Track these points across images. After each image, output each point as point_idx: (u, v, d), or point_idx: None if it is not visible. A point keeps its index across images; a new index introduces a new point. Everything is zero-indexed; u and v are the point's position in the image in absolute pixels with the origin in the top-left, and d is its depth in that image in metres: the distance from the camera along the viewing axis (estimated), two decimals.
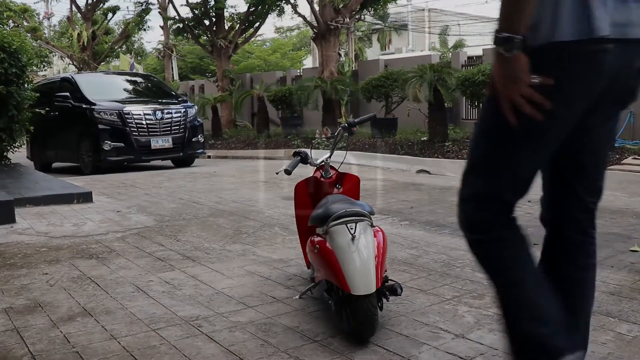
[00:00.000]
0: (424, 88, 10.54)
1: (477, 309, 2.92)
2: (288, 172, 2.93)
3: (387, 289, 2.66)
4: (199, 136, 11.94)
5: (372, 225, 2.68)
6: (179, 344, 2.57)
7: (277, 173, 3.07)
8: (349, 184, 3.21)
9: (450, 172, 8.88)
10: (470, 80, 10.16)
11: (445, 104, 11.27)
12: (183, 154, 11.61)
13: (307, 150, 3.17)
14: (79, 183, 8.14)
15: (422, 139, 11.34)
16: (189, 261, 3.98)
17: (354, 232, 2.52)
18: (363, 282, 2.44)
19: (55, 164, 12.79)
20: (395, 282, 2.70)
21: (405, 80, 10.92)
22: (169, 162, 12.39)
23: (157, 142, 11.06)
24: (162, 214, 5.82)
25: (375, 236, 2.65)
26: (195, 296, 3.23)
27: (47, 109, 10.36)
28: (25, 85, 9.58)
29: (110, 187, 8.16)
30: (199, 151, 12.02)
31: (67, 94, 11.25)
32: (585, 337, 2.04)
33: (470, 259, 3.81)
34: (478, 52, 14.88)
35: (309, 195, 3.21)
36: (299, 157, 3.05)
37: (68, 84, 11.68)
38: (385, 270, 2.76)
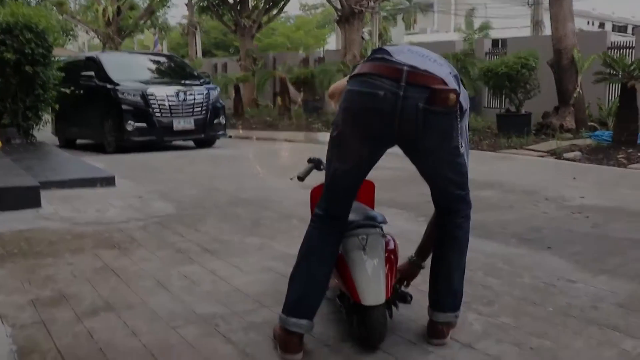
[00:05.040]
0: None
1: (486, 317, 2.99)
2: (300, 179, 3.00)
3: (397, 297, 2.75)
4: (221, 117, 12.04)
5: (383, 236, 2.75)
6: (197, 344, 2.68)
7: (290, 179, 3.14)
8: (364, 190, 3.25)
9: (470, 162, 8.90)
10: (493, 72, 10.11)
11: None
12: (205, 136, 11.73)
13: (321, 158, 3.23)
14: (102, 163, 8.33)
15: None
16: (208, 254, 4.09)
17: (365, 244, 2.60)
18: (373, 293, 2.53)
19: (79, 141, 12.99)
20: (405, 291, 2.78)
21: None
22: (190, 142, 12.52)
23: (180, 124, 11.19)
24: (183, 201, 5.94)
25: (386, 246, 2.73)
26: (213, 293, 3.34)
27: (72, 88, 10.51)
28: (51, 64, 9.75)
29: (133, 169, 8.31)
30: (220, 133, 12.14)
31: (92, 73, 11.40)
32: (445, 300, 2.69)
33: (484, 262, 3.90)
34: (503, 34, 14.76)
35: None
36: (312, 164, 3.10)
37: (93, 63, 11.82)
38: (397, 276, 2.84)
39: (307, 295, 2.56)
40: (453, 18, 38.73)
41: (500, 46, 15.03)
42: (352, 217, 2.75)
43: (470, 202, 2.66)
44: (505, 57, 11.22)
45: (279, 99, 17.59)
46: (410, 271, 3.01)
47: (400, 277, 2.96)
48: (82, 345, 2.66)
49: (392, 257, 2.73)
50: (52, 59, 9.79)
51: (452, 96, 2.31)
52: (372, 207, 3.22)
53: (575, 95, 10.66)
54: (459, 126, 2.41)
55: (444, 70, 2.39)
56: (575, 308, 3.10)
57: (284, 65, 17.53)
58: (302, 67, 18.45)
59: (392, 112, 2.30)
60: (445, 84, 2.33)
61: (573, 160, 8.44)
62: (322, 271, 2.58)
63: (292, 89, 16.87)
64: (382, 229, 2.78)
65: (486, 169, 8.10)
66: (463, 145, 2.47)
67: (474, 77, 10.76)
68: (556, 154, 8.82)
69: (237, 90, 18.58)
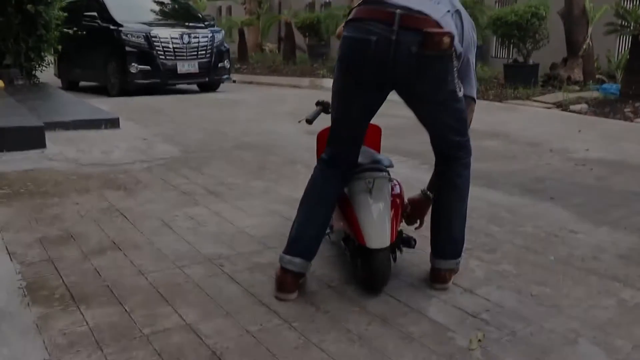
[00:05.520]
0: None
1: (488, 264, 3.03)
2: (309, 121, 2.99)
3: (401, 241, 2.78)
4: (225, 61, 11.95)
5: (390, 180, 2.76)
6: (203, 283, 2.72)
7: (299, 122, 3.13)
8: (370, 134, 3.23)
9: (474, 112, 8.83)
10: (502, 20, 9.95)
11: None
12: (209, 79, 11.65)
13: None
14: (106, 106, 8.30)
15: None
16: (213, 197, 4.12)
17: (372, 187, 2.61)
18: (378, 236, 2.55)
19: (82, 83, 12.91)
20: (409, 236, 2.81)
21: None
22: (194, 86, 12.44)
23: (184, 67, 11.10)
24: (187, 144, 5.95)
25: (392, 190, 2.74)
26: (218, 234, 3.37)
27: (74, 28, 10.38)
28: (54, 4, 9.60)
29: (137, 112, 8.29)
30: (224, 77, 12.06)
31: (95, 13, 11.24)
32: (446, 248, 2.71)
33: (488, 210, 3.92)
34: None
35: None
36: (321, 107, 3.08)
37: (96, 3, 11.63)
38: (402, 221, 2.87)
39: (304, 234, 2.60)
40: None
41: None
42: (359, 159, 2.75)
43: (470, 148, 2.65)
44: (515, 5, 11.01)
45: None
46: (422, 204, 2.95)
47: (411, 212, 2.96)
48: (89, 283, 2.70)
49: (398, 201, 2.75)
50: None
51: (446, 39, 2.26)
52: (379, 150, 3.22)
53: (584, 46, 10.51)
54: (455, 70, 2.38)
55: (440, 9, 2.34)
56: (576, 258, 3.13)
57: (290, 10, 17.25)
58: (308, 11, 18.16)
59: (385, 57, 2.28)
60: (440, 26, 2.28)
61: (579, 112, 8.39)
62: (320, 212, 2.62)
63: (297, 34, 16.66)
64: (388, 173, 2.79)
65: (491, 119, 8.06)
66: (461, 88, 2.45)
67: (483, 26, 10.60)
68: (562, 106, 8.77)
69: (241, 34, 18.33)
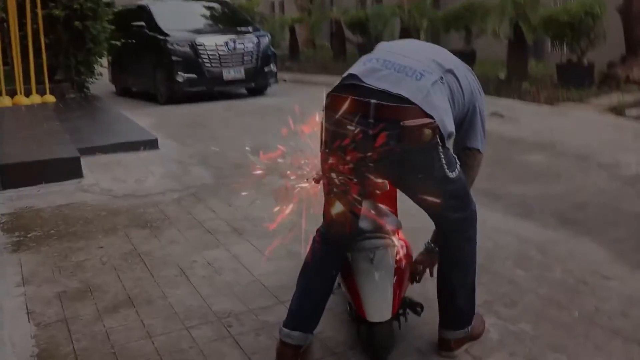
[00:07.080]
0: (504, 24, 10.02)
1: (504, 322, 2.89)
2: (317, 181, 2.91)
3: (407, 308, 2.69)
4: (272, 65, 11.94)
5: (393, 246, 2.64)
6: (207, 348, 2.71)
7: (306, 180, 3.05)
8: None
9: (524, 116, 8.46)
10: (554, 20, 9.53)
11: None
12: (255, 84, 11.70)
13: None
14: (152, 118, 8.46)
15: (500, 77, 10.82)
16: (235, 235, 4.11)
17: (373, 257, 2.52)
18: (379, 309, 2.48)
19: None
20: (416, 302, 2.71)
21: (485, 14, 10.40)
22: (242, 90, 12.47)
23: (230, 73, 11.16)
24: (222, 167, 5.96)
25: (397, 255, 2.63)
26: (232, 284, 3.36)
27: (122, 40, 10.58)
28: (101, 17, 9.82)
29: (179, 125, 8.42)
30: (271, 80, 12.07)
31: (143, 23, 11.44)
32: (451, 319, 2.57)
33: (517, 248, 3.75)
34: None
35: None
36: None
37: (143, 12, 11.84)
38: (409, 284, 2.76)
39: (302, 307, 2.53)
40: None
41: None
42: (362, 225, 2.65)
43: (474, 219, 2.49)
44: (568, 3, 10.53)
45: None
46: (429, 260, 2.81)
47: (421, 268, 2.83)
48: (98, 348, 2.73)
49: (403, 265, 2.64)
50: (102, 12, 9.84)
51: (427, 132, 2.10)
52: (395, 206, 3.06)
53: None
54: (441, 156, 2.22)
55: (423, 86, 2.17)
56: (603, 314, 2.95)
57: (340, 7, 17.12)
58: (359, 7, 17.98)
59: (365, 150, 2.15)
60: (422, 111, 2.12)
61: (636, 118, 7.97)
62: (319, 285, 2.54)
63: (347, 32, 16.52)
64: (392, 239, 2.67)
65: (540, 126, 7.76)
66: (456, 170, 2.29)
67: (535, 23, 10.18)
68: (617, 109, 8.36)
69: (292, 31, 18.32)
